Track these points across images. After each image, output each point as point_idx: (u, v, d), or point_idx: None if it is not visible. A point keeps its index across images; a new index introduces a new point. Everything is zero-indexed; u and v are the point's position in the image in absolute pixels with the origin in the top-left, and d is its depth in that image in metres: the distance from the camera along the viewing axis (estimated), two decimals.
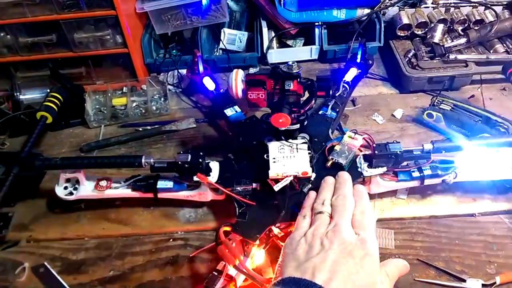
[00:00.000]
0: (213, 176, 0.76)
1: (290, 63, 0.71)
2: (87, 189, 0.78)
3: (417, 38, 1.09)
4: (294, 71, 0.70)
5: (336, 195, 0.63)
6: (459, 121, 0.88)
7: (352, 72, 0.96)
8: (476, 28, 1.07)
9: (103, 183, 0.78)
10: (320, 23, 1.11)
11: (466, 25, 1.09)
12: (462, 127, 0.88)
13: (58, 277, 0.72)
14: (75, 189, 0.78)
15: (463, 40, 1.04)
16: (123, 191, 0.78)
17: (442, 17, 1.07)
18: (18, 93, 1.05)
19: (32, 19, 0.97)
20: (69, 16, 0.97)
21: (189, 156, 0.73)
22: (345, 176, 0.67)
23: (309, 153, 0.74)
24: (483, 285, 0.66)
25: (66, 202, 0.79)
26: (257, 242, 0.68)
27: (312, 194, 0.68)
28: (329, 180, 0.68)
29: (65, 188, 0.78)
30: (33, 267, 0.74)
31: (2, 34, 1.01)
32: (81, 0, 0.95)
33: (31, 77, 1.09)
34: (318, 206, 0.63)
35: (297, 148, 0.75)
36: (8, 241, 0.79)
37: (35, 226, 0.81)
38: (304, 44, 1.16)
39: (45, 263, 0.74)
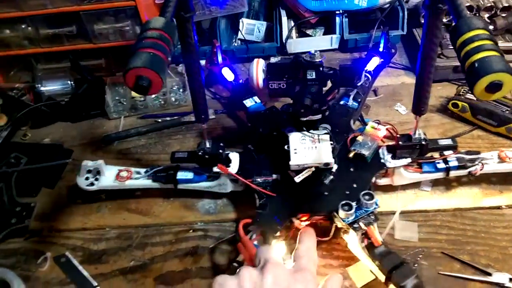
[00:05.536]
0: (233, 167, 0.75)
1: (313, 52, 0.69)
2: (108, 180, 0.78)
3: (442, 26, 1.06)
4: (317, 60, 0.69)
5: None
6: (486, 111, 0.86)
7: (374, 61, 0.94)
8: (503, 15, 1.03)
9: (124, 174, 0.78)
10: (340, 11, 1.09)
11: (493, 12, 1.05)
12: (488, 117, 0.86)
13: (80, 267, 0.72)
14: (96, 179, 0.78)
15: (489, 28, 1.01)
16: (144, 182, 0.78)
17: (468, 4, 1.04)
18: (39, 85, 1.06)
19: (52, 10, 0.97)
20: (89, 7, 0.97)
21: (209, 146, 0.72)
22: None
23: (331, 144, 0.73)
24: (510, 279, 0.64)
25: (87, 193, 0.79)
26: (278, 233, 0.67)
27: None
28: None
29: (87, 178, 0.79)
30: (54, 257, 0.74)
31: (23, 26, 1.02)
32: None
33: (52, 69, 1.10)
34: None
35: (319, 139, 0.74)
36: (30, 231, 0.80)
37: (56, 216, 0.82)
38: (324, 33, 1.14)
39: (67, 253, 0.75)
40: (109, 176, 0.78)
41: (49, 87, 1.06)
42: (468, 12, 0.96)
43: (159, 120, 1.00)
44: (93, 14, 0.99)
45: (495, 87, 0.37)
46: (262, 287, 0.46)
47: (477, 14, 1.05)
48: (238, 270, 0.50)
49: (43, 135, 1.00)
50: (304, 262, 0.53)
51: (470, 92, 0.90)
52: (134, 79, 0.39)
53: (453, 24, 0.44)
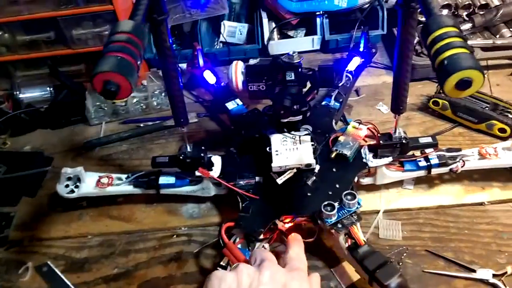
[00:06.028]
0: (216, 171, 0.75)
1: (291, 53, 0.69)
2: (88, 187, 0.77)
3: (421, 25, 1.06)
4: (295, 61, 0.69)
5: None
6: (466, 108, 0.86)
7: (355, 61, 0.95)
8: (481, 12, 1.04)
9: (105, 180, 0.77)
10: (321, 12, 1.09)
11: (471, 10, 1.06)
12: (469, 114, 0.86)
13: (62, 276, 0.71)
14: (77, 187, 0.77)
15: (468, 26, 1.02)
16: (125, 188, 0.77)
17: (446, 2, 1.05)
18: (18, 92, 1.04)
19: (29, 16, 0.96)
20: (66, 12, 0.96)
21: (191, 149, 0.72)
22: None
23: (312, 145, 0.73)
24: (493, 275, 0.64)
25: (68, 200, 0.78)
26: (261, 236, 0.67)
27: None
28: None
29: (67, 186, 0.78)
30: (36, 267, 0.73)
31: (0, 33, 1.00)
32: None
33: (30, 76, 1.08)
34: None
35: (300, 140, 0.74)
36: (10, 241, 0.78)
37: (37, 225, 0.80)
38: (306, 35, 1.14)
39: (48, 262, 0.73)
40: (90, 183, 0.77)
41: (28, 94, 1.05)
42: (440, 10, 0.97)
43: (141, 125, 0.99)
44: (71, 19, 0.97)
45: (464, 84, 0.37)
46: (260, 283, 0.47)
47: (456, 12, 1.06)
48: (234, 265, 0.50)
49: (23, 143, 0.98)
50: (296, 264, 0.54)
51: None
52: (102, 84, 0.39)
53: (425, 22, 0.44)
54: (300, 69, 0.70)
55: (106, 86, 0.39)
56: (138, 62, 0.41)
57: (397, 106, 0.66)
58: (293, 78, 0.70)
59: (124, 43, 0.41)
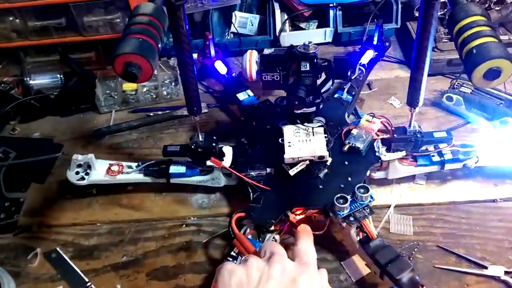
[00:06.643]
0: (227, 161, 0.74)
1: (307, 43, 0.68)
2: (99, 174, 0.77)
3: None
4: (311, 52, 0.68)
5: None
6: (480, 104, 0.85)
7: (369, 55, 0.94)
8: (497, 8, 1.03)
9: (115, 168, 0.77)
10: (334, 4, 1.08)
11: (486, 5, 1.05)
12: (483, 110, 0.85)
13: (71, 263, 0.71)
14: (87, 174, 0.77)
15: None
16: (135, 176, 0.77)
17: None
18: (28, 78, 1.04)
19: (40, 2, 0.96)
20: None
21: (202, 139, 0.71)
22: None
23: (325, 137, 0.72)
24: (505, 272, 0.64)
25: (77, 187, 0.78)
26: (272, 228, 0.66)
27: None
28: None
29: (77, 173, 0.77)
30: (45, 253, 0.73)
31: (11, 18, 1.00)
32: None
33: (41, 62, 1.07)
34: None
35: (313, 132, 0.73)
36: (19, 226, 0.78)
37: (47, 212, 0.80)
38: (318, 27, 1.13)
39: (57, 249, 0.73)
40: (100, 171, 0.77)
41: (38, 81, 1.05)
42: None
43: (151, 114, 0.99)
44: (82, 6, 0.97)
45: (493, 73, 0.37)
46: (269, 277, 0.47)
47: None
48: (243, 258, 0.50)
49: (33, 130, 0.98)
50: (306, 258, 0.54)
51: (464, 85, 0.89)
52: (123, 66, 0.38)
53: (450, 11, 0.43)
54: (315, 60, 0.69)
55: (127, 68, 0.38)
56: (159, 45, 0.40)
57: (413, 99, 0.65)
58: (308, 68, 0.69)
59: (145, 25, 0.40)
